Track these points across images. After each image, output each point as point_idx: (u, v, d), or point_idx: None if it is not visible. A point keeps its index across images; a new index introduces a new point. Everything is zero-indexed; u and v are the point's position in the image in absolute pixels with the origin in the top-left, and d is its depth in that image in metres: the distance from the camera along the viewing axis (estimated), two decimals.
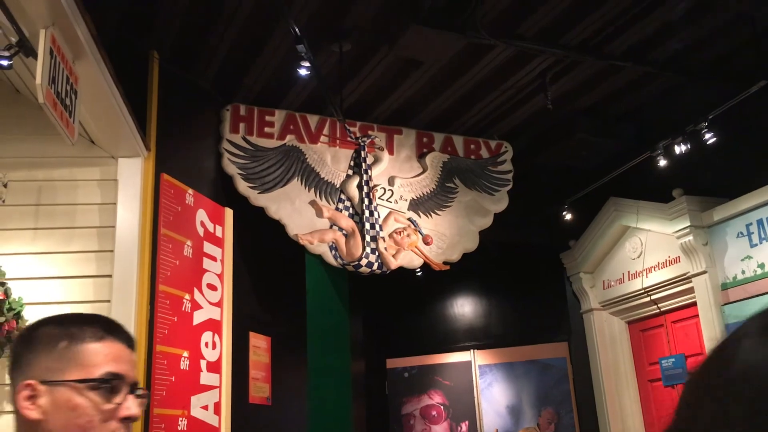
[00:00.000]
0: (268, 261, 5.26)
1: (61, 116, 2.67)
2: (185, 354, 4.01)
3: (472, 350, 7.74)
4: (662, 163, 5.32)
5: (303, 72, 4.25)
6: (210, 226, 4.49)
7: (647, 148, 5.45)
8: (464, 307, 8.07)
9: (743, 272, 4.92)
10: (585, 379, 6.49)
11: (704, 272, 5.14)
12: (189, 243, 4.22)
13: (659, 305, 5.84)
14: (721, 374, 0.58)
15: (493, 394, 7.54)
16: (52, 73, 2.55)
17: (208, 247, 4.43)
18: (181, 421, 3.89)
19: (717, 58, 4.97)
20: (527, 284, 7.48)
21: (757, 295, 4.76)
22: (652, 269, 5.72)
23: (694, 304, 5.29)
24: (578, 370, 6.74)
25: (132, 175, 3.81)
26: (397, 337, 8.19)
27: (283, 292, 5.35)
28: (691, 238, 5.18)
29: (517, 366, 7.49)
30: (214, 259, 4.46)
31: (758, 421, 0.53)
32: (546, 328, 7.33)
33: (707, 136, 4.97)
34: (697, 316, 5.25)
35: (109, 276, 3.62)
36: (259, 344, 4.97)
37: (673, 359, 5.67)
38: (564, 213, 6.32)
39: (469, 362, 7.70)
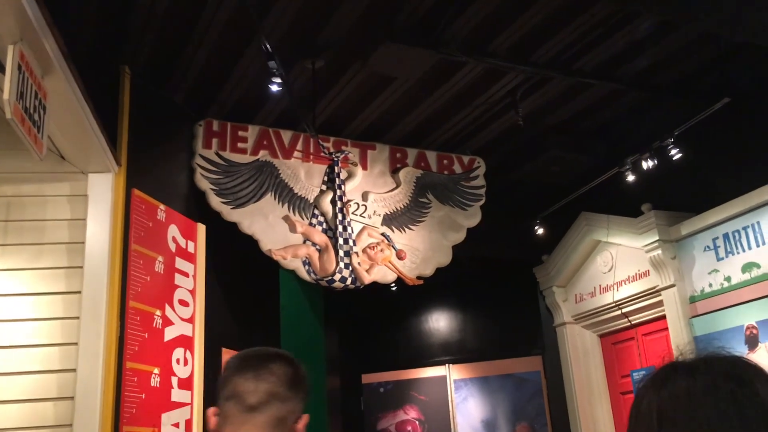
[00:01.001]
0: (241, 276, 5.23)
1: (29, 132, 2.66)
2: (156, 371, 3.97)
3: (447, 365, 7.76)
4: (631, 178, 5.42)
5: (274, 88, 4.27)
6: (182, 242, 4.47)
7: (617, 163, 5.55)
8: (439, 322, 8.10)
9: (710, 285, 5.01)
10: (559, 392, 6.53)
11: (673, 285, 5.22)
12: (160, 259, 4.20)
13: (630, 318, 5.91)
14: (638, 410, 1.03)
15: (468, 408, 7.55)
16: (20, 89, 2.54)
17: (180, 263, 4.40)
18: None
19: (683, 76, 5.09)
20: (501, 299, 7.53)
21: (724, 308, 4.85)
22: (623, 283, 5.80)
23: (664, 317, 5.37)
24: (552, 384, 6.78)
25: (102, 191, 3.78)
26: (373, 352, 8.18)
27: (256, 307, 5.32)
28: (659, 252, 5.26)
29: (491, 380, 7.52)
30: (186, 274, 4.43)
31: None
32: (520, 342, 7.37)
33: (673, 152, 5.08)
34: (667, 329, 5.33)
35: (79, 292, 3.58)
36: None
37: (644, 372, 5.73)
38: (536, 228, 6.39)
39: (444, 377, 7.71)
